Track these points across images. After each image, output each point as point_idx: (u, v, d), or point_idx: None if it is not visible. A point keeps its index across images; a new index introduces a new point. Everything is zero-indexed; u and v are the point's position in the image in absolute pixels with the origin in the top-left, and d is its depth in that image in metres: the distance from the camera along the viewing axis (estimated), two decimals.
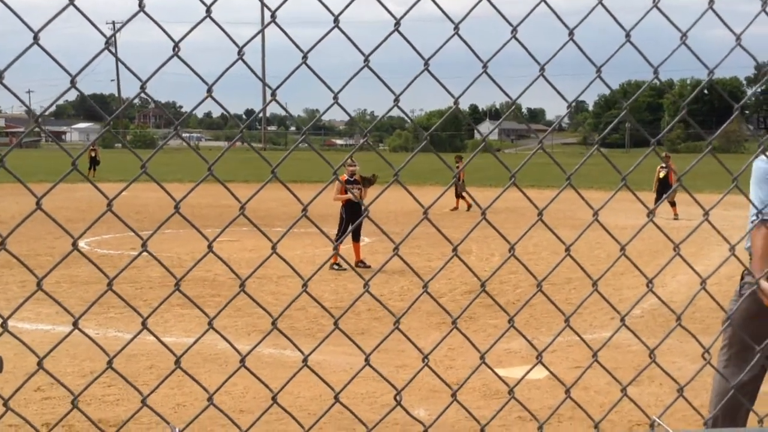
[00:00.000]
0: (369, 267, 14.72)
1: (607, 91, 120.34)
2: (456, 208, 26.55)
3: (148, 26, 1.75)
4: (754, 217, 5.08)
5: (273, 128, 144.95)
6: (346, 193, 14.61)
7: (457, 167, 28.38)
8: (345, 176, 15.12)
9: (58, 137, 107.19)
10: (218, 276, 13.34)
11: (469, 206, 26.65)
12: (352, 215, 15.08)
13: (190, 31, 1.68)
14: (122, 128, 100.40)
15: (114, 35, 1.71)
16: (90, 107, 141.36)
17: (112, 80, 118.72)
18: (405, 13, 1.82)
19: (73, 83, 1.62)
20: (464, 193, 26.16)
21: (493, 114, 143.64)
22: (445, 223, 20.62)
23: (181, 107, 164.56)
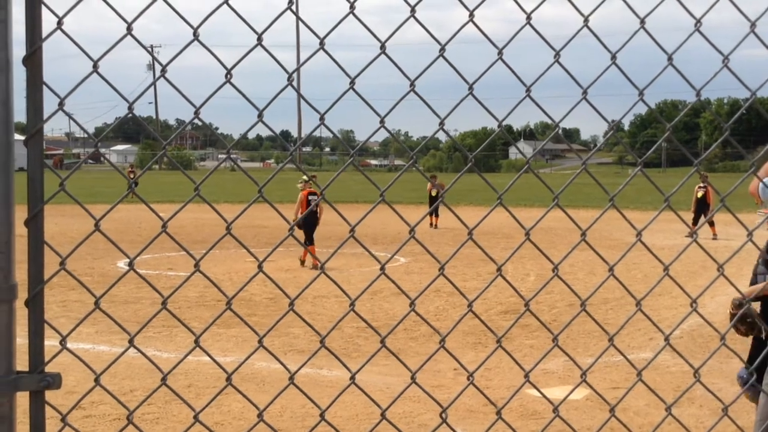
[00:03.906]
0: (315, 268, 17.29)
1: (642, 111, 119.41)
2: (433, 225, 27.47)
3: (184, 51, 1.80)
4: None
5: (308, 149, 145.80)
6: (308, 205, 17.74)
7: (441, 185, 28.93)
8: (307, 191, 18.06)
9: (98, 159, 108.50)
10: (254, 296, 13.44)
11: (436, 225, 27.63)
12: (308, 223, 17.69)
13: (242, 58, 1.74)
14: (159, 150, 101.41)
15: (169, 63, 1.77)
16: (128, 130, 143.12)
17: (150, 103, 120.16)
18: (449, 40, 1.86)
19: (130, 109, 1.68)
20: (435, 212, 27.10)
21: (528, 134, 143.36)
22: (480, 243, 20.59)
23: (217, 128, 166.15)
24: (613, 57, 1.93)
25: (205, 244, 19.83)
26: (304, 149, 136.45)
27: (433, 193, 28.43)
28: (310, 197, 18.02)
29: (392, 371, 8.73)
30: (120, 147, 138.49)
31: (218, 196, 38.38)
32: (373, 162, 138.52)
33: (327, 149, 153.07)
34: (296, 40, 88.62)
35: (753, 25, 1.98)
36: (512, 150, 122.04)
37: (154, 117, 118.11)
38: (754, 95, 2.06)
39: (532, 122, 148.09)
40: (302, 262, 17.98)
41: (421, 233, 25.14)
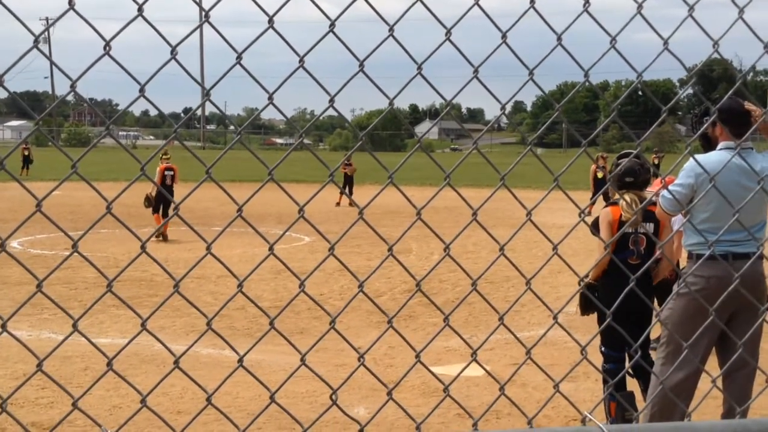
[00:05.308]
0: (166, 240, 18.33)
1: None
2: (339, 204, 27.27)
3: (82, 23, 1.72)
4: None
5: (212, 127, 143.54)
6: (164, 179, 19.37)
7: (350, 165, 28.92)
8: (164, 166, 19.54)
9: None
10: (155, 276, 13.17)
11: (350, 203, 27.50)
12: (164, 197, 18.98)
13: (122, 30, 1.66)
14: (56, 126, 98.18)
15: (42, 33, 1.67)
16: (22, 105, 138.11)
17: (45, 77, 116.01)
18: (339, 15, 1.82)
19: (0, 82, 1.59)
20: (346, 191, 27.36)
21: (433, 113, 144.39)
22: (386, 222, 20.67)
23: (117, 105, 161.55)
24: (504, 36, 1.93)
25: (101, 224, 19.34)
26: (209, 127, 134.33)
27: (349, 173, 28.29)
28: (166, 172, 19.50)
29: (294, 351, 8.69)
30: (14, 123, 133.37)
31: (119, 174, 37.38)
32: (279, 141, 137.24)
33: (231, 128, 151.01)
34: (199, 15, 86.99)
35: (640, 6, 2.01)
36: (418, 129, 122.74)
37: (51, 92, 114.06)
38: (640, 76, 2.10)
39: (437, 102, 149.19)
40: (165, 238, 18.64)
41: (326, 213, 25.03)
